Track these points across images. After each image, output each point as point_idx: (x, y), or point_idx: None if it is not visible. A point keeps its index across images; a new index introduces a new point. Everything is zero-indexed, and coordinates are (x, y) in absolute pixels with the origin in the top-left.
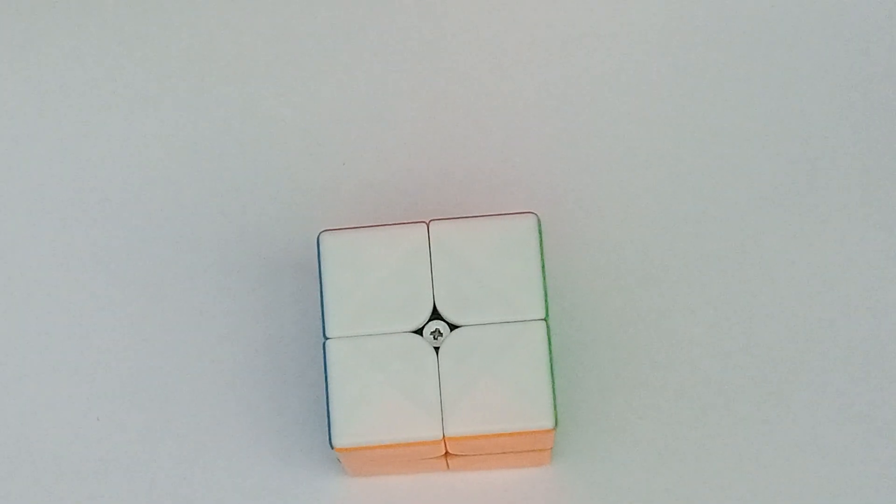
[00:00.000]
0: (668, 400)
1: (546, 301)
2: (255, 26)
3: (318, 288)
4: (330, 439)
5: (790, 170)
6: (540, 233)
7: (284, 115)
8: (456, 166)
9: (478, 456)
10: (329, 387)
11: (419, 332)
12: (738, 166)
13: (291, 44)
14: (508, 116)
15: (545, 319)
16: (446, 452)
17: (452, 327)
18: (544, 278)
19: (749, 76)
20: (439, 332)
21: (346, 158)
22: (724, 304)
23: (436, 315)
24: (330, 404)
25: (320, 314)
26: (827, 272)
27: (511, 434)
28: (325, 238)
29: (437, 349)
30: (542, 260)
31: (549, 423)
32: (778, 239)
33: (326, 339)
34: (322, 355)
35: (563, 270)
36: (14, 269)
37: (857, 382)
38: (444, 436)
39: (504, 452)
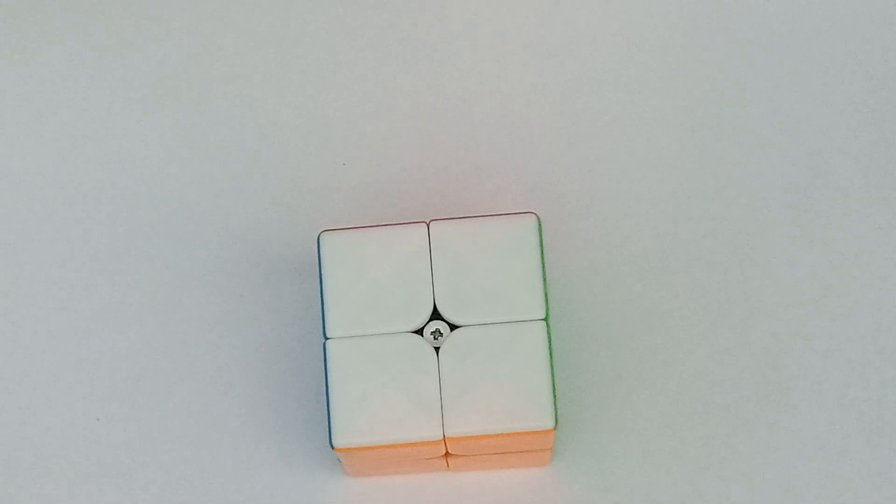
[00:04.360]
0: (668, 400)
1: (546, 301)
2: (255, 26)
3: (318, 288)
4: (330, 439)
5: (790, 169)
6: (540, 233)
7: (284, 115)
8: (456, 166)
9: (478, 456)
10: (329, 387)
11: (419, 332)
12: (738, 166)
13: (291, 44)
14: (508, 116)
15: (545, 319)
16: (446, 452)
17: (452, 327)
18: (544, 278)
19: (749, 76)
20: (439, 332)
21: (346, 158)
22: (724, 304)
23: (436, 315)
24: (330, 404)
25: (320, 314)
26: (827, 272)
27: (511, 434)
28: (325, 238)
29: (437, 349)
30: (542, 260)
31: (549, 423)
32: (778, 238)
33: (326, 339)
34: (322, 355)
35: (563, 270)
36: (14, 269)
37: (857, 382)
38: (444, 436)
39: (504, 452)
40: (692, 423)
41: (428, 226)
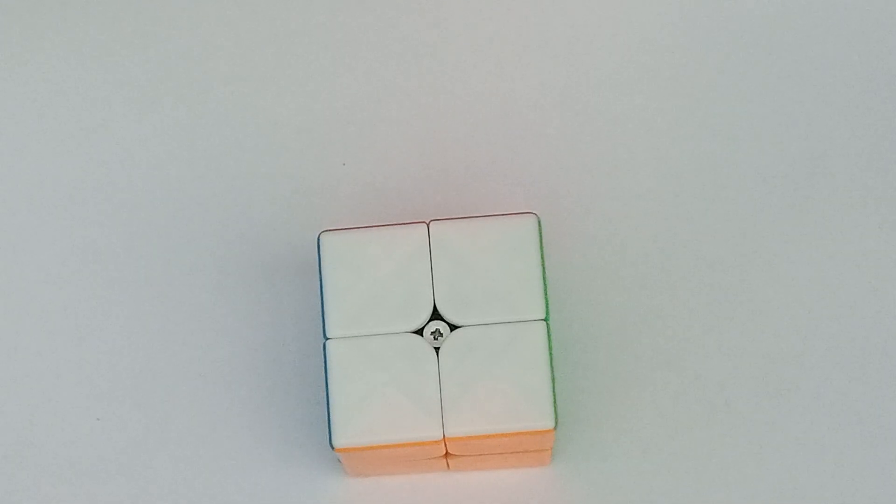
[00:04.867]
0: (668, 400)
1: (546, 301)
2: (255, 26)
3: (318, 288)
4: (330, 439)
5: (790, 170)
6: (540, 233)
7: (284, 115)
8: (456, 166)
9: (478, 456)
10: (329, 387)
11: (419, 332)
12: (739, 166)
13: (291, 44)
14: (508, 116)
15: (545, 319)
16: (446, 452)
17: (452, 327)
18: (544, 278)
19: (749, 76)
20: (439, 332)
21: (346, 158)
22: (724, 304)
23: (436, 315)
24: (330, 404)
25: (320, 314)
26: (827, 272)
27: (511, 434)
28: (325, 238)
29: (437, 349)
30: (542, 260)
31: (549, 423)
32: (778, 239)
33: (326, 339)
34: (322, 355)
35: (563, 270)
36: (14, 269)
37: (857, 382)
38: (444, 436)
39: (504, 452)
40: (692, 423)
41: (428, 226)
